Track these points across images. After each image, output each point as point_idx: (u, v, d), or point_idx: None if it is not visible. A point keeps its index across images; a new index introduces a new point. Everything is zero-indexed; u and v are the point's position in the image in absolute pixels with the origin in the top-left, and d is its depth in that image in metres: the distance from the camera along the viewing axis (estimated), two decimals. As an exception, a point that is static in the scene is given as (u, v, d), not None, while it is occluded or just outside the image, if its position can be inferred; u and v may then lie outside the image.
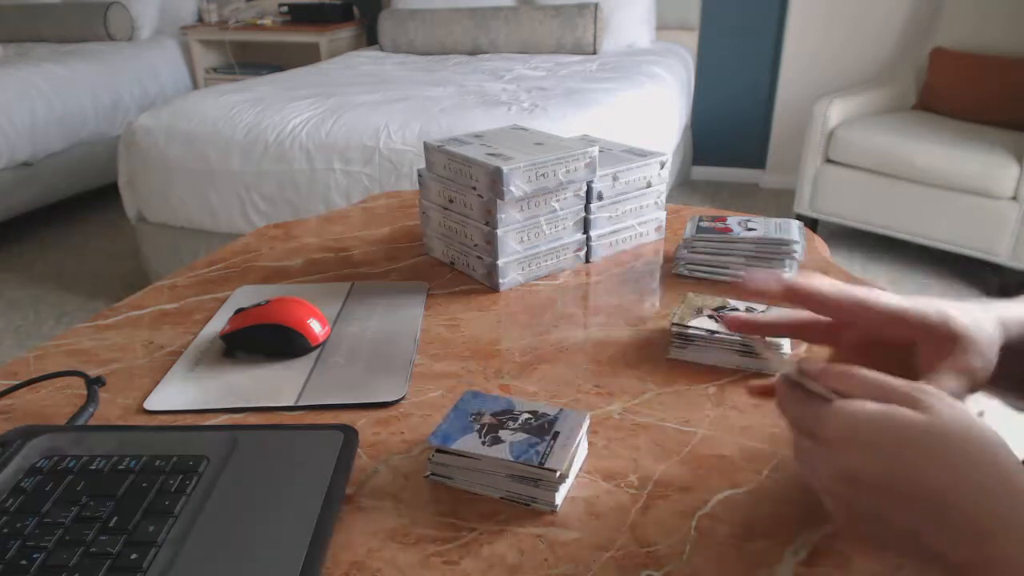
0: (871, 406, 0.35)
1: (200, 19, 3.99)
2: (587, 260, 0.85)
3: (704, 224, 0.82)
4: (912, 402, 0.34)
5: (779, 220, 0.82)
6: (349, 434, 0.52)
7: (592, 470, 0.51)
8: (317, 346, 0.66)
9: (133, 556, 0.41)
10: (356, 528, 0.46)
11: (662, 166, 0.88)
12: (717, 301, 0.67)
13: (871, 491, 0.33)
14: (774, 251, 0.77)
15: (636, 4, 3.24)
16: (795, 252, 0.76)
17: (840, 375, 0.37)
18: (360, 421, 0.56)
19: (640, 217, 0.88)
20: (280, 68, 3.46)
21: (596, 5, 3.04)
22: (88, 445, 0.50)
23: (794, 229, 0.79)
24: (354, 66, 3.01)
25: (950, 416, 0.33)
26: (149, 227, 2.41)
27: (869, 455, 0.34)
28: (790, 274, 0.48)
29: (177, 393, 0.60)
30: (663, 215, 0.90)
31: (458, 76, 2.71)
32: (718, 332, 0.62)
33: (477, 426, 0.50)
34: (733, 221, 0.82)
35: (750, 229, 0.80)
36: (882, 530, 0.34)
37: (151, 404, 0.59)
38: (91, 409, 0.58)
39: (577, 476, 0.50)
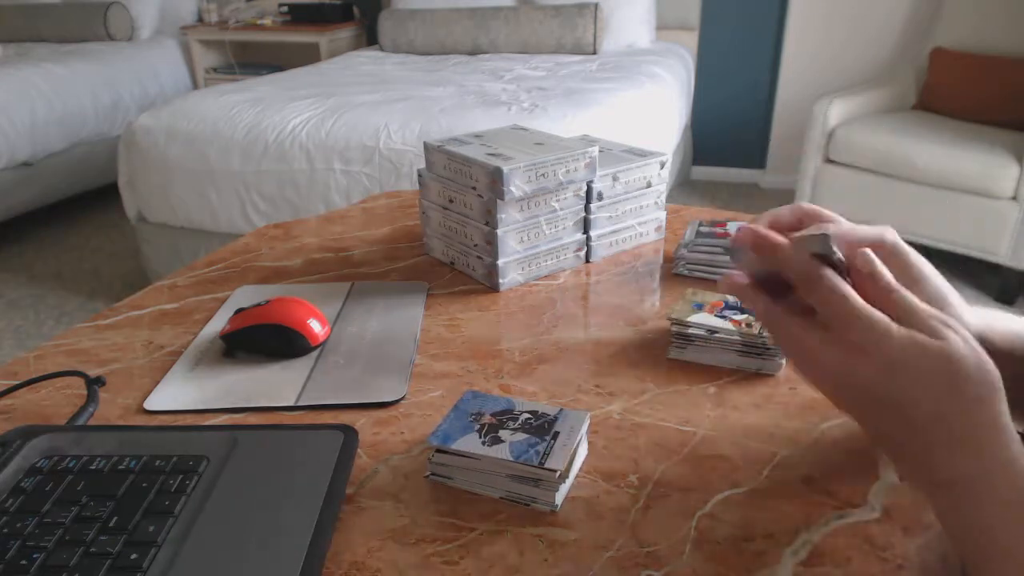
0: (897, 330, 0.36)
1: (200, 19, 3.99)
2: (587, 260, 0.85)
3: (704, 229, 0.82)
4: (931, 329, 0.36)
5: None
6: (349, 434, 0.52)
7: (592, 470, 0.51)
8: (317, 346, 0.66)
9: (133, 556, 0.41)
10: (356, 528, 0.46)
11: (662, 166, 0.88)
12: (717, 297, 0.67)
13: (879, 405, 0.37)
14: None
15: (636, 4, 3.24)
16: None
17: (874, 276, 0.39)
18: (360, 421, 0.56)
19: (640, 217, 0.88)
20: (280, 68, 3.47)
21: (596, 5, 3.04)
22: (88, 445, 0.50)
23: (794, 230, 0.79)
24: (354, 66, 3.01)
25: (961, 347, 0.35)
26: (149, 227, 2.41)
27: (886, 374, 0.36)
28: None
29: (177, 393, 0.60)
30: (663, 215, 0.90)
31: (458, 76, 2.71)
32: (718, 332, 0.62)
33: (477, 426, 0.50)
34: (733, 226, 0.82)
35: None
36: (872, 429, 0.39)
37: (151, 404, 0.59)
38: (91, 409, 0.58)
39: (577, 476, 0.50)
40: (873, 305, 0.38)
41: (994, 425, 0.35)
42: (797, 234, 0.43)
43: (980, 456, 0.35)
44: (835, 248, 0.40)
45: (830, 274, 0.39)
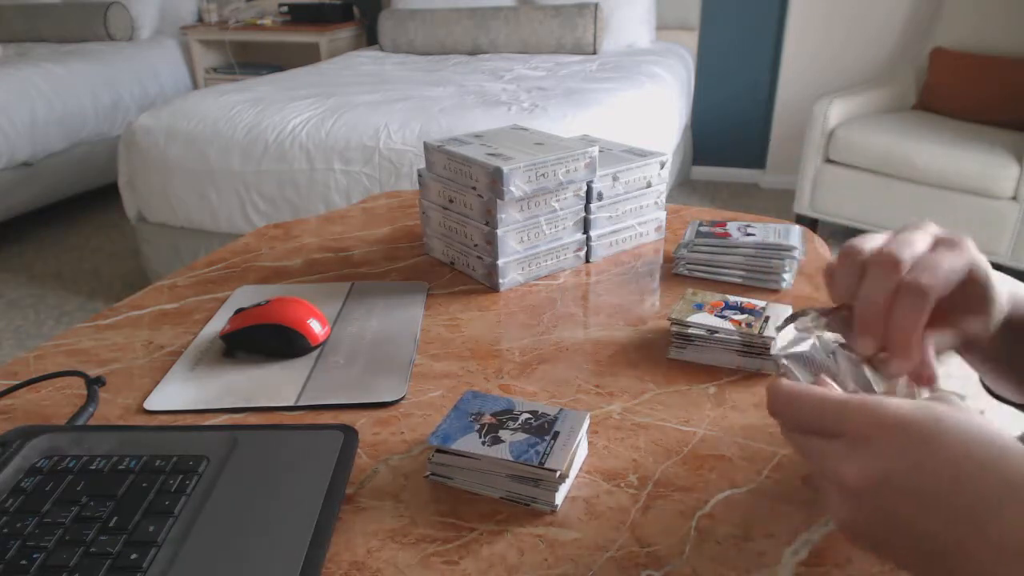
0: (897, 401, 0.33)
1: (200, 19, 3.99)
2: (587, 260, 0.85)
3: (704, 229, 0.82)
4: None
5: (780, 225, 0.82)
6: (349, 434, 0.52)
7: (592, 470, 0.51)
8: (317, 346, 0.66)
9: (133, 556, 0.41)
10: (356, 528, 0.46)
11: (662, 166, 0.88)
12: (717, 297, 0.67)
13: (900, 490, 0.31)
14: (773, 255, 0.77)
15: (636, 4, 3.24)
16: (793, 257, 0.76)
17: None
18: (360, 421, 0.56)
19: (640, 217, 0.88)
20: (280, 68, 3.47)
21: (596, 5, 3.04)
22: (88, 445, 0.50)
23: (794, 234, 0.79)
24: (354, 66, 3.01)
25: (973, 415, 0.32)
26: (149, 227, 2.41)
27: (906, 451, 0.31)
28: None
29: (177, 393, 0.60)
30: (663, 215, 0.90)
31: (458, 76, 2.71)
32: (718, 331, 0.62)
33: (477, 426, 0.50)
34: (732, 226, 0.82)
35: (749, 234, 0.80)
36: (897, 533, 0.32)
37: (151, 404, 0.59)
38: (91, 409, 0.58)
39: (577, 476, 0.50)
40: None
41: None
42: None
43: None
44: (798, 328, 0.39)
45: (784, 384, 0.36)
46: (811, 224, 2.75)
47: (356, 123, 2.11)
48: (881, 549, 0.33)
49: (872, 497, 0.32)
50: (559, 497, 0.47)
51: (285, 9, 3.84)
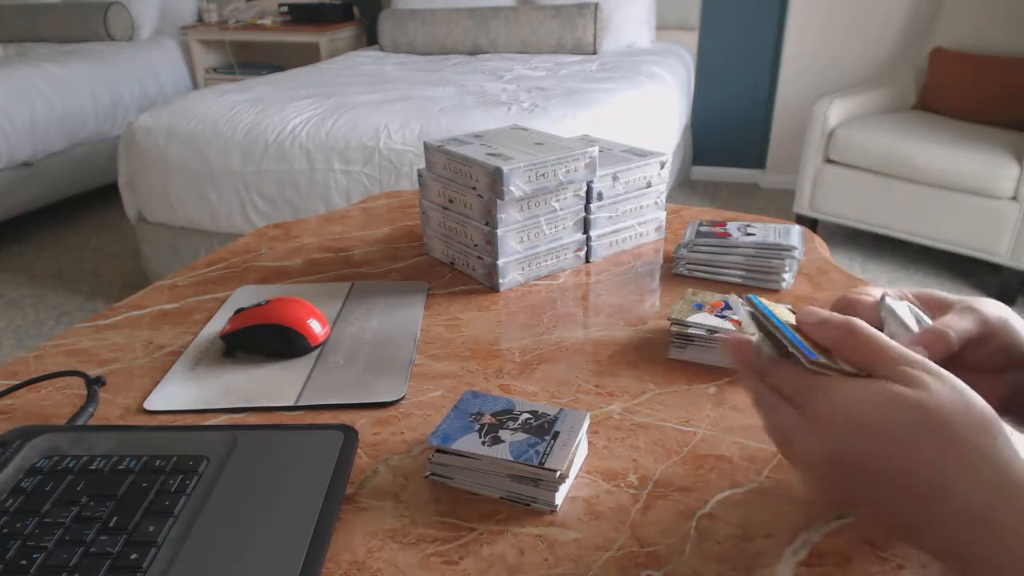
0: (864, 386, 0.34)
1: (200, 19, 3.99)
2: (587, 260, 0.85)
3: (704, 229, 0.82)
4: (903, 377, 0.33)
5: (779, 226, 0.82)
6: (349, 434, 0.52)
7: (592, 470, 0.51)
8: (317, 346, 0.66)
9: (133, 556, 0.41)
10: (356, 528, 0.46)
11: (662, 166, 0.88)
12: (717, 297, 0.67)
13: (858, 473, 0.33)
14: (773, 255, 0.77)
15: (636, 4, 3.24)
16: (793, 257, 0.76)
17: (839, 329, 0.36)
18: (360, 421, 0.56)
19: (640, 217, 0.88)
20: (280, 68, 3.47)
21: (596, 5, 3.04)
22: (88, 445, 0.50)
23: (794, 234, 0.79)
24: (354, 66, 3.01)
25: (942, 394, 0.32)
26: (149, 227, 2.41)
27: (860, 438, 0.33)
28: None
29: (177, 393, 0.60)
30: (663, 215, 0.90)
31: (458, 76, 2.71)
32: (718, 331, 0.62)
33: (477, 426, 0.50)
34: (732, 226, 0.82)
35: (749, 234, 0.80)
36: (865, 508, 0.34)
37: (151, 404, 0.59)
38: (91, 409, 0.58)
39: (577, 476, 0.50)
40: (854, 358, 0.35)
41: (997, 482, 0.30)
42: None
43: (990, 526, 0.30)
44: (751, 317, 0.40)
45: (764, 362, 0.38)
46: (811, 224, 2.75)
47: (356, 123, 2.11)
48: (856, 516, 0.36)
49: (825, 475, 0.35)
50: (559, 497, 0.47)
51: (285, 9, 3.84)
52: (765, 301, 0.41)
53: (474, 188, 0.77)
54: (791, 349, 0.37)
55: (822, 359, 0.36)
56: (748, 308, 0.41)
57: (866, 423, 0.33)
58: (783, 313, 0.40)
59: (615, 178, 0.83)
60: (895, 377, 0.34)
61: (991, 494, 0.30)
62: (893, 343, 0.35)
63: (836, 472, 0.34)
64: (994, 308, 0.43)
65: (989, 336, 0.42)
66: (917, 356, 0.34)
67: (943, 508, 0.31)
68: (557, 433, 0.49)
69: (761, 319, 0.40)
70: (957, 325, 0.41)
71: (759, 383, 0.39)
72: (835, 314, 0.37)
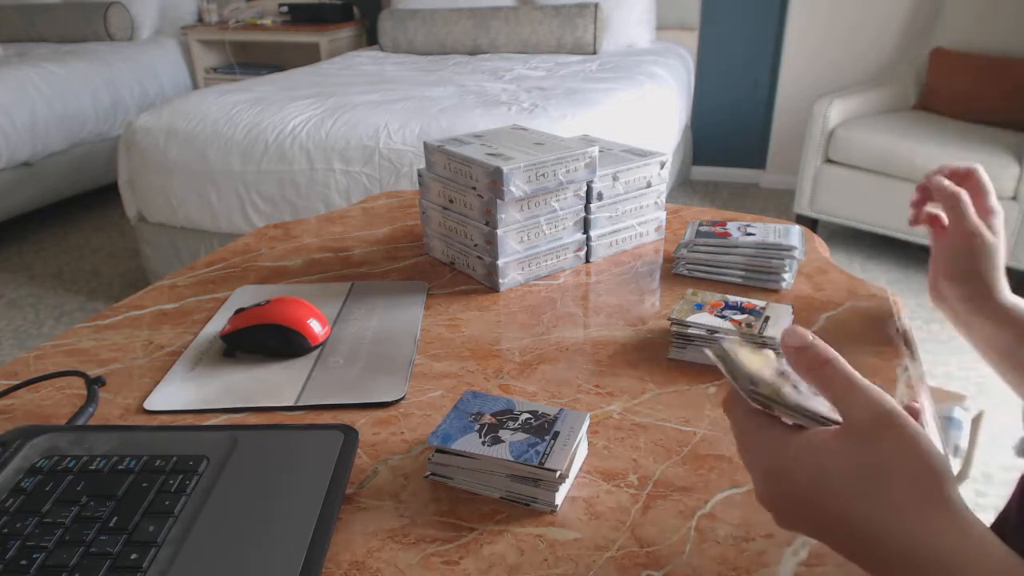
0: (813, 449, 0.34)
1: (200, 19, 3.99)
2: (587, 260, 0.85)
3: (704, 229, 0.82)
4: (864, 426, 0.33)
5: (779, 226, 0.82)
6: (349, 434, 0.52)
7: (592, 470, 0.51)
8: (317, 346, 0.66)
9: (133, 556, 0.41)
10: (356, 528, 0.46)
11: (662, 166, 0.88)
12: (717, 297, 0.67)
13: (803, 520, 0.36)
14: (773, 255, 0.77)
15: (636, 4, 3.24)
16: (793, 257, 0.76)
17: (818, 359, 0.35)
18: (360, 421, 0.56)
19: (640, 217, 0.88)
20: (280, 68, 3.47)
21: (596, 5, 3.04)
22: (88, 445, 0.50)
23: (794, 234, 0.79)
24: (354, 66, 3.01)
25: (898, 447, 0.32)
26: (149, 227, 2.41)
27: (802, 498, 0.34)
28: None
29: (177, 393, 0.60)
30: (663, 215, 0.90)
31: (458, 76, 2.71)
32: (718, 331, 0.62)
33: (477, 426, 0.50)
34: (732, 226, 0.82)
35: (749, 234, 0.80)
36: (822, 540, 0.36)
37: (151, 404, 0.59)
38: (91, 409, 0.58)
39: (577, 476, 0.50)
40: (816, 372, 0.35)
41: (938, 529, 0.31)
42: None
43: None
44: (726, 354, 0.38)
45: (735, 410, 0.38)
46: (811, 224, 2.75)
47: (356, 123, 2.11)
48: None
49: (787, 511, 0.37)
50: (559, 497, 0.47)
51: (285, 9, 3.84)
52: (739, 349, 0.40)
53: (474, 188, 0.77)
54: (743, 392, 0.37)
55: (765, 393, 0.36)
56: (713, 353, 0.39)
57: (807, 478, 0.34)
58: (752, 361, 0.39)
59: (615, 178, 0.83)
60: (857, 424, 0.33)
61: (931, 548, 0.31)
62: (868, 385, 0.34)
63: (785, 514, 0.37)
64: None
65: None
66: (887, 406, 0.33)
67: (885, 554, 0.32)
68: (557, 433, 0.49)
69: (724, 362, 0.38)
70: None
71: (732, 421, 0.39)
72: (820, 342, 0.36)
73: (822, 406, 0.36)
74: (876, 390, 0.34)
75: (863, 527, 0.32)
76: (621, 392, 0.60)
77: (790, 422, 0.36)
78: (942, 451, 0.33)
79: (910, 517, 0.31)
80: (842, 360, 0.35)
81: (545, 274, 0.82)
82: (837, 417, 0.35)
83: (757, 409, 0.37)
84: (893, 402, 0.33)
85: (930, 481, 0.31)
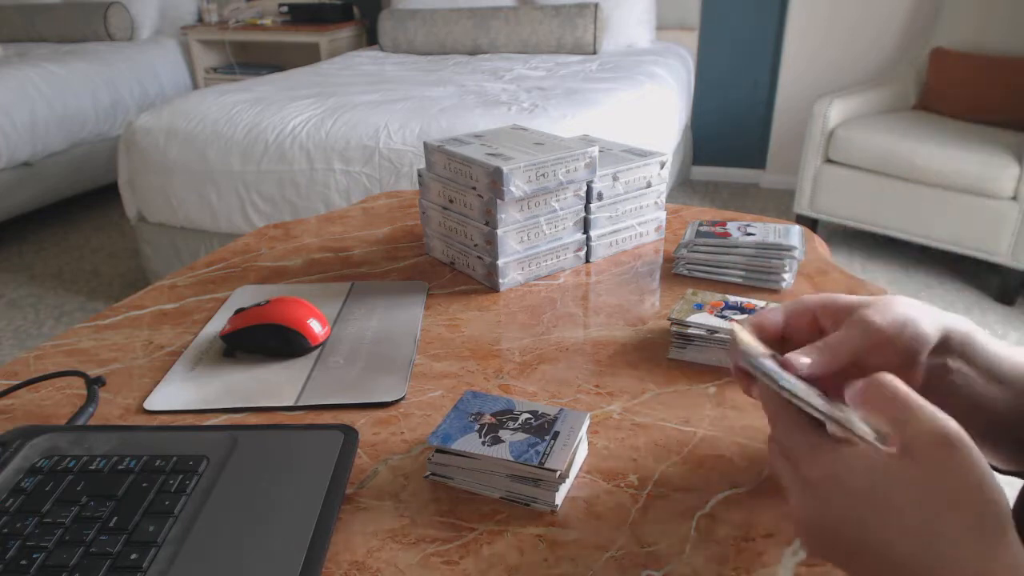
0: (866, 466, 0.32)
1: (200, 19, 3.99)
2: (587, 260, 0.85)
3: (704, 229, 0.82)
4: (923, 448, 0.31)
5: (779, 226, 0.82)
6: (349, 434, 0.52)
7: (592, 470, 0.51)
8: (317, 346, 0.66)
9: (133, 556, 0.41)
10: (356, 528, 0.46)
11: (662, 166, 0.88)
12: (717, 297, 0.67)
13: (844, 543, 0.33)
14: (773, 255, 0.77)
15: (636, 4, 3.24)
16: (793, 257, 0.76)
17: (867, 379, 0.34)
18: (360, 421, 0.56)
19: (640, 217, 0.88)
20: (280, 68, 3.47)
21: (596, 5, 3.04)
22: (88, 445, 0.50)
23: (794, 234, 0.79)
24: (354, 66, 3.01)
25: (961, 476, 0.30)
26: (149, 227, 2.41)
27: (849, 511, 0.32)
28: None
29: (177, 393, 0.60)
30: (663, 215, 0.90)
31: (458, 76, 2.71)
32: (718, 331, 0.62)
33: (477, 426, 0.50)
34: (732, 226, 0.82)
35: (749, 234, 0.80)
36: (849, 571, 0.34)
37: (151, 404, 0.59)
38: (91, 409, 0.58)
39: (577, 476, 0.50)
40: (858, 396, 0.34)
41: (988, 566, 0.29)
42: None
43: None
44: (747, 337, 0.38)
45: (780, 416, 0.36)
46: (811, 224, 2.75)
47: (356, 123, 2.11)
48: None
49: (807, 530, 0.34)
50: (559, 497, 0.47)
51: (285, 9, 3.84)
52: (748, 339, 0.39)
53: (474, 188, 0.77)
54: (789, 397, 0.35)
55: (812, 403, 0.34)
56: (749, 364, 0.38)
57: (856, 496, 0.32)
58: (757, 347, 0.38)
59: (615, 178, 0.83)
60: (918, 447, 0.31)
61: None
62: (922, 403, 0.32)
63: (821, 536, 0.34)
64: (890, 311, 0.41)
65: (886, 341, 0.40)
66: (950, 426, 0.31)
67: None
68: (557, 433, 0.49)
69: (753, 366, 0.38)
70: (840, 347, 0.40)
71: (770, 441, 0.38)
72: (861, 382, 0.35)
73: (859, 422, 0.34)
74: (934, 409, 0.32)
75: (911, 563, 0.30)
76: (621, 392, 0.60)
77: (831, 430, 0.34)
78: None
79: (967, 554, 0.29)
80: (894, 378, 0.33)
81: (545, 274, 0.82)
82: (870, 435, 0.33)
83: (804, 420, 0.35)
84: (954, 423, 0.31)
85: (992, 519, 0.29)
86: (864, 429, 0.33)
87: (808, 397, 0.35)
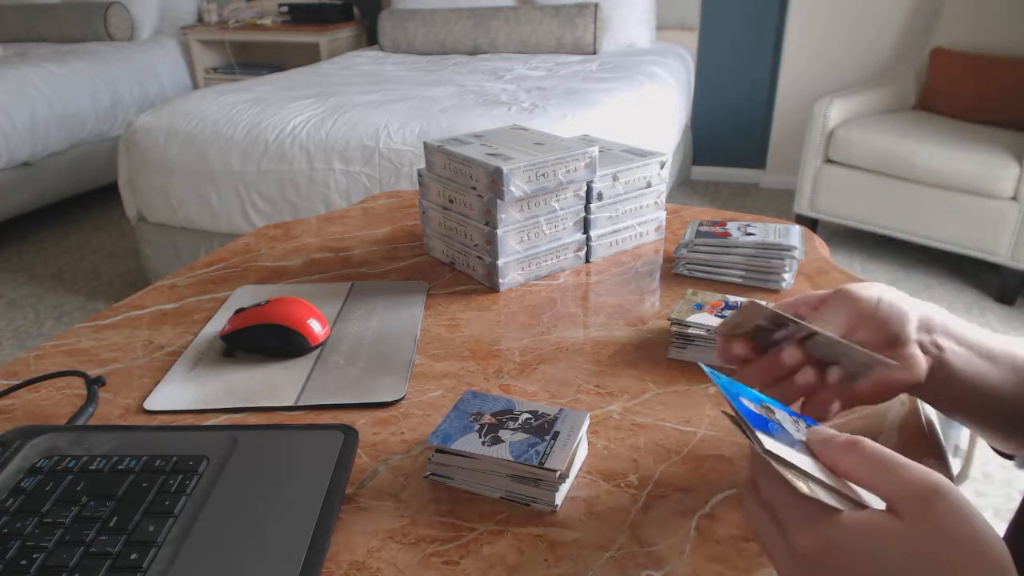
0: (864, 530, 0.30)
1: (200, 19, 3.99)
2: (587, 260, 0.85)
3: (704, 229, 0.82)
4: (912, 502, 0.30)
5: (779, 226, 0.82)
6: (349, 434, 0.52)
7: (592, 470, 0.51)
8: (317, 346, 0.66)
9: (133, 556, 0.41)
10: (356, 528, 0.46)
11: (662, 166, 0.88)
12: (717, 297, 0.67)
13: None
14: (773, 255, 0.77)
15: (636, 4, 3.24)
16: (793, 257, 0.76)
17: (845, 447, 0.33)
18: (360, 421, 0.56)
19: (640, 217, 0.88)
20: (280, 68, 3.47)
21: (596, 5, 3.04)
22: (88, 445, 0.50)
23: (794, 234, 0.79)
24: (354, 66, 3.01)
25: (949, 530, 0.29)
26: (149, 227, 2.41)
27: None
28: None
29: (177, 393, 0.60)
30: (663, 215, 0.90)
31: (458, 76, 2.71)
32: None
33: (477, 426, 0.50)
34: (732, 226, 0.82)
35: (749, 234, 0.80)
36: None
37: (151, 404, 0.59)
38: (91, 409, 0.58)
39: (577, 476, 0.50)
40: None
41: None
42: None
43: None
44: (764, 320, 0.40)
45: (766, 480, 0.34)
46: (811, 224, 2.75)
47: (356, 123, 2.11)
48: None
49: None
50: (559, 497, 0.47)
51: (285, 9, 3.84)
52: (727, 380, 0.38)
53: (474, 188, 0.77)
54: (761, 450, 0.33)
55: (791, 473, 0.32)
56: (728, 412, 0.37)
57: (855, 564, 0.30)
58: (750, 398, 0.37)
59: (615, 178, 0.83)
60: (901, 503, 0.30)
61: None
62: (905, 461, 0.31)
63: None
64: (867, 288, 0.46)
65: (866, 315, 0.45)
66: (932, 477, 0.30)
67: None
68: (557, 433, 0.49)
69: (734, 416, 0.36)
70: (826, 313, 0.46)
71: (749, 495, 0.36)
72: (840, 435, 0.34)
73: (845, 488, 0.32)
74: (917, 465, 0.31)
75: None
76: (621, 392, 0.60)
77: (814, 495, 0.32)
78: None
79: None
80: (867, 443, 0.33)
81: (545, 274, 0.82)
82: (863, 499, 0.32)
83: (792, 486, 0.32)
84: (937, 475, 0.30)
85: (998, 572, 0.28)
86: (855, 490, 0.32)
87: (794, 459, 0.33)
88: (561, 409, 0.51)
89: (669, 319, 0.64)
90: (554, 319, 0.72)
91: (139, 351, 0.68)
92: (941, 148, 2.43)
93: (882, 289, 0.46)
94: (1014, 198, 2.31)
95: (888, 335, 0.44)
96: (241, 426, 0.55)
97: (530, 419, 0.50)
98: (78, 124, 3.16)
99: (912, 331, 0.44)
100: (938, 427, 0.55)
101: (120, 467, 0.47)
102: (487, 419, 0.50)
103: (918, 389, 0.46)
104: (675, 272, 0.81)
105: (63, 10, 3.81)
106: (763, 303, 0.44)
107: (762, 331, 0.46)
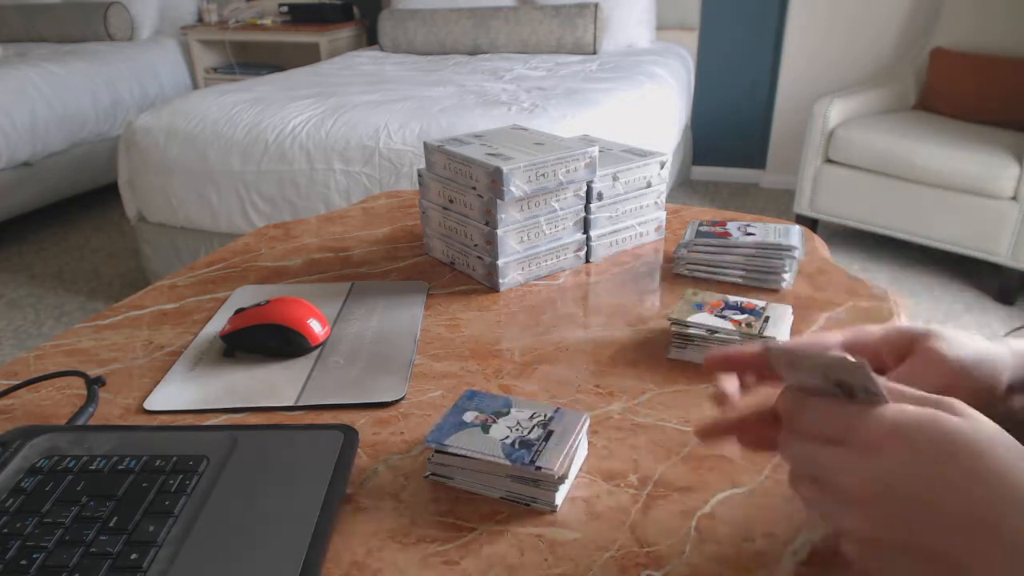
0: (914, 409, 0.31)
1: (200, 19, 3.99)
2: (587, 260, 0.85)
3: (704, 229, 0.82)
4: (949, 407, 0.31)
5: (779, 226, 0.82)
6: (349, 434, 0.52)
7: (592, 470, 0.51)
8: (317, 346, 0.66)
9: (133, 556, 0.41)
10: (356, 528, 0.46)
11: (662, 166, 0.88)
12: (717, 297, 0.67)
13: (912, 503, 0.30)
14: (773, 255, 0.77)
15: (636, 4, 3.24)
16: (793, 257, 0.76)
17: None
18: (360, 421, 0.56)
19: (640, 217, 0.88)
20: (280, 68, 3.47)
21: (596, 5, 3.04)
22: (88, 445, 0.50)
23: (794, 234, 0.79)
24: (354, 66, 3.01)
25: (989, 426, 0.30)
26: (149, 227, 2.41)
27: (915, 461, 0.30)
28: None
29: (177, 393, 0.60)
30: (663, 215, 0.90)
31: (458, 76, 2.71)
32: (718, 331, 0.62)
33: (472, 425, 0.50)
34: (733, 226, 0.82)
35: (749, 234, 0.80)
36: (901, 547, 0.31)
37: (151, 404, 0.59)
38: (91, 409, 0.58)
39: (577, 476, 0.50)
40: None
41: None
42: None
43: None
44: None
45: (812, 399, 0.34)
46: (811, 224, 2.75)
47: (356, 123, 2.11)
48: (883, 566, 0.32)
49: (875, 508, 0.31)
50: (559, 497, 0.47)
51: (285, 9, 3.84)
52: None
53: (474, 188, 0.77)
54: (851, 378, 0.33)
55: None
56: (779, 356, 0.36)
57: (922, 444, 0.30)
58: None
59: (615, 178, 0.83)
60: (941, 407, 0.31)
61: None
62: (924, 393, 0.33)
63: (887, 503, 0.31)
64: (962, 345, 0.39)
65: (961, 378, 0.39)
66: (952, 399, 0.32)
67: (994, 547, 0.28)
68: (551, 432, 0.49)
69: (798, 358, 0.35)
70: (912, 382, 0.37)
71: (790, 442, 0.35)
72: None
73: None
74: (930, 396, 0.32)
75: (980, 510, 0.29)
76: (621, 392, 0.60)
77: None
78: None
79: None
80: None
81: (545, 274, 0.82)
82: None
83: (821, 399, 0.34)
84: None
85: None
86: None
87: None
88: (558, 408, 0.51)
89: (669, 319, 0.64)
90: (554, 319, 0.72)
91: (139, 351, 0.68)
92: (941, 148, 2.43)
93: (977, 343, 0.40)
94: (1014, 198, 2.31)
95: (974, 402, 0.37)
96: (241, 426, 0.55)
97: (526, 418, 0.50)
98: (78, 124, 3.16)
99: (998, 398, 0.40)
100: None
101: (120, 467, 0.47)
102: (483, 418, 0.50)
103: None
104: (675, 272, 0.81)
105: (63, 10, 3.81)
106: (852, 359, 0.32)
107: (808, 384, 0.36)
